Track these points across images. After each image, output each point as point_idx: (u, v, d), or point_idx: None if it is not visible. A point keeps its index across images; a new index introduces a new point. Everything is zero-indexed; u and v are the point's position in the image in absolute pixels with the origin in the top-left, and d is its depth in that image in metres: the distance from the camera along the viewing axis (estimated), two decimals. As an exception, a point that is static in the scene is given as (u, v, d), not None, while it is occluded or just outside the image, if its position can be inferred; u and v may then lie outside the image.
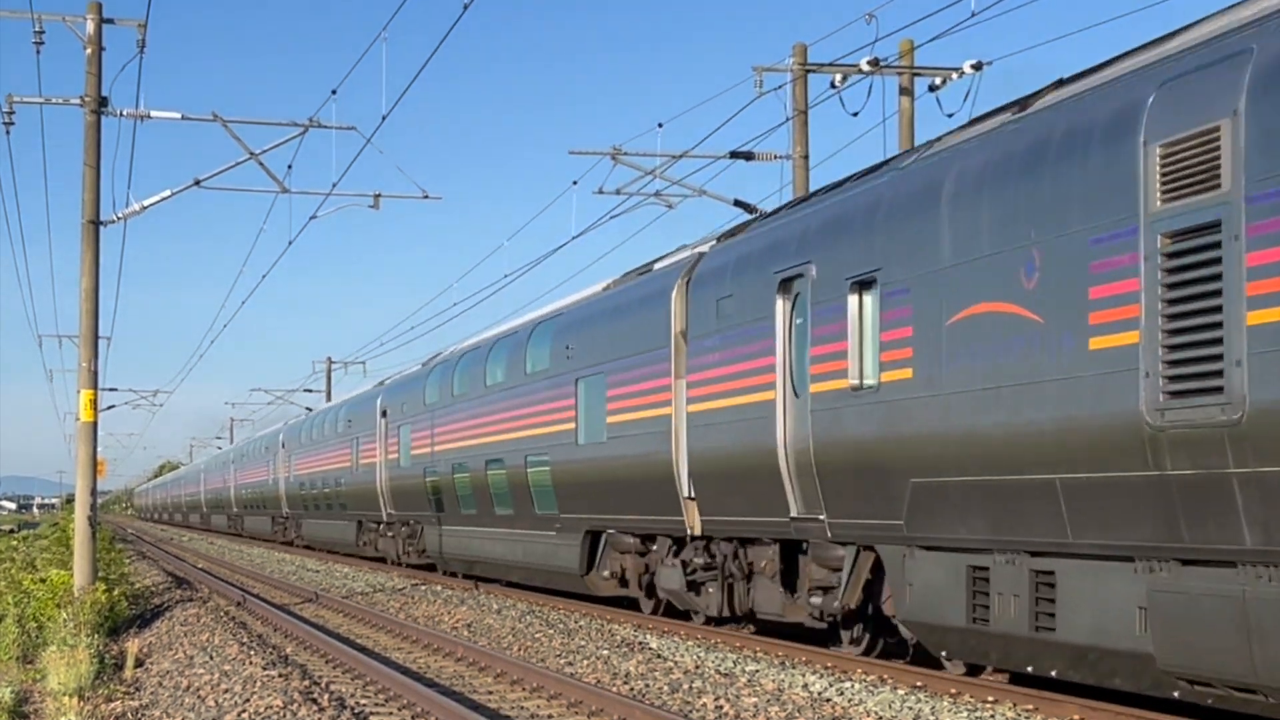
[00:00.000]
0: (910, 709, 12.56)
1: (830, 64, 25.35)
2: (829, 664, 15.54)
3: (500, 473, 25.43)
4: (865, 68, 23.93)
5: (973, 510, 12.26)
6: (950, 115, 24.45)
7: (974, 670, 14.04)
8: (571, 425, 22.00)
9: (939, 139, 14.19)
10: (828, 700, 13.20)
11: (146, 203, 25.73)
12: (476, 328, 40.26)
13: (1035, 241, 11.33)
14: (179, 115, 25.78)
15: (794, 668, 15.43)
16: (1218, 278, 9.63)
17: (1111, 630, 10.80)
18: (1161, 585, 10.28)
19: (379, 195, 27.62)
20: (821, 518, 14.88)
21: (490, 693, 14.61)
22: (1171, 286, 10.01)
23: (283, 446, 52.62)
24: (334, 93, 24.76)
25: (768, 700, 13.23)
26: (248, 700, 13.83)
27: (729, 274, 17.18)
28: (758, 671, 15.15)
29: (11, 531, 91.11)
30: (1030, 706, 12.43)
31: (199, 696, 14.48)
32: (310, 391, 78.40)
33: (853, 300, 14.19)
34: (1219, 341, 9.61)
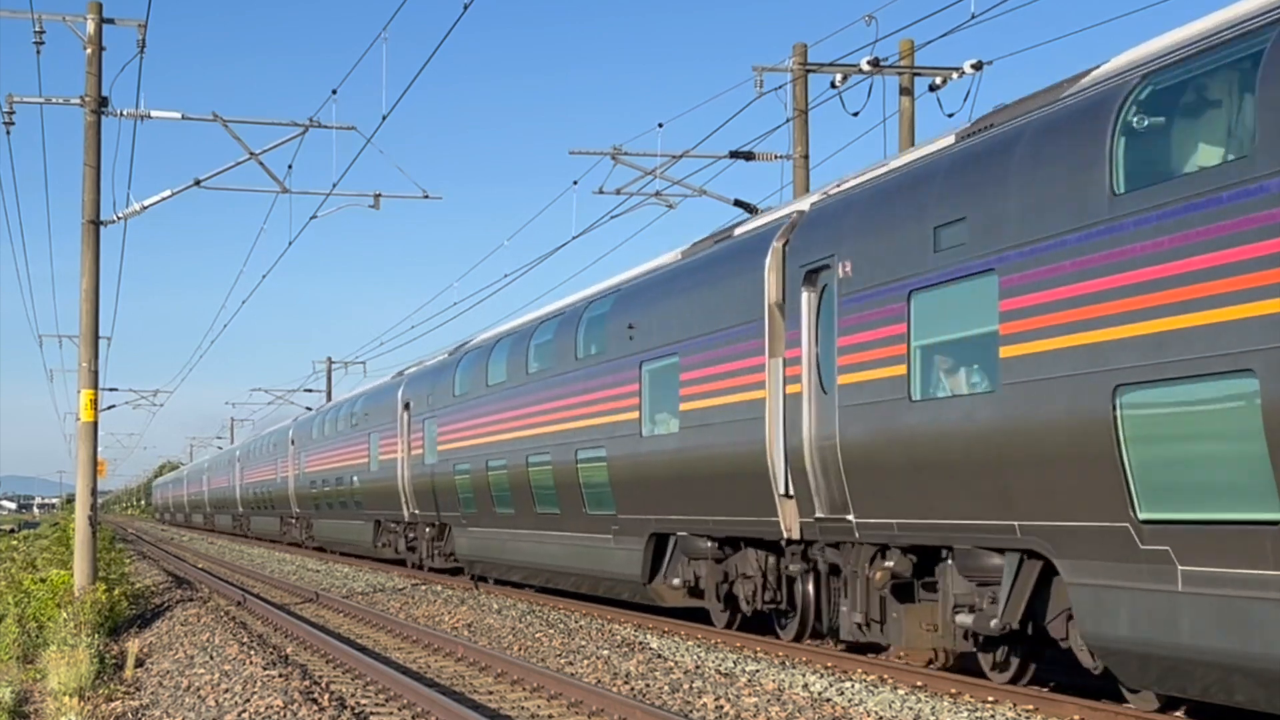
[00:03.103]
0: (910, 709, 12.56)
1: (831, 64, 25.35)
2: (829, 664, 15.54)
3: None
4: (865, 68, 23.92)
5: None
6: (950, 115, 24.47)
7: (976, 671, 14.03)
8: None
9: None
10: (828, 700, 13.20)
11: (146, 203, 25.73)
12: (476, 328, 40.13)
13: None
14: (179, 115, 25.79)
15: (794, 668, 15.42)
16: None
17: None
18: None
19: (379, 195, 27.63)
20: None
21: (490, 693, 14.61)
22: None
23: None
24: (334, 93, 24.77)
25: (768, 700, 13.23)
26: (248, 700, 13.83)
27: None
28: (758, 671, 15.14)
29: (12, 531, 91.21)
30: (1030, 706, 12.42)
31: (199, 696, 14.48)
32: (310, 391, 78.44)
33: None
34: None
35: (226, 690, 14.69)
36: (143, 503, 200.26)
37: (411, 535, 34.47)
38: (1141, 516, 10.60)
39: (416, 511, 32.57)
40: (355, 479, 38.88)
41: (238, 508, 69.65)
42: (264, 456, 58.43)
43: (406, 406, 33.10)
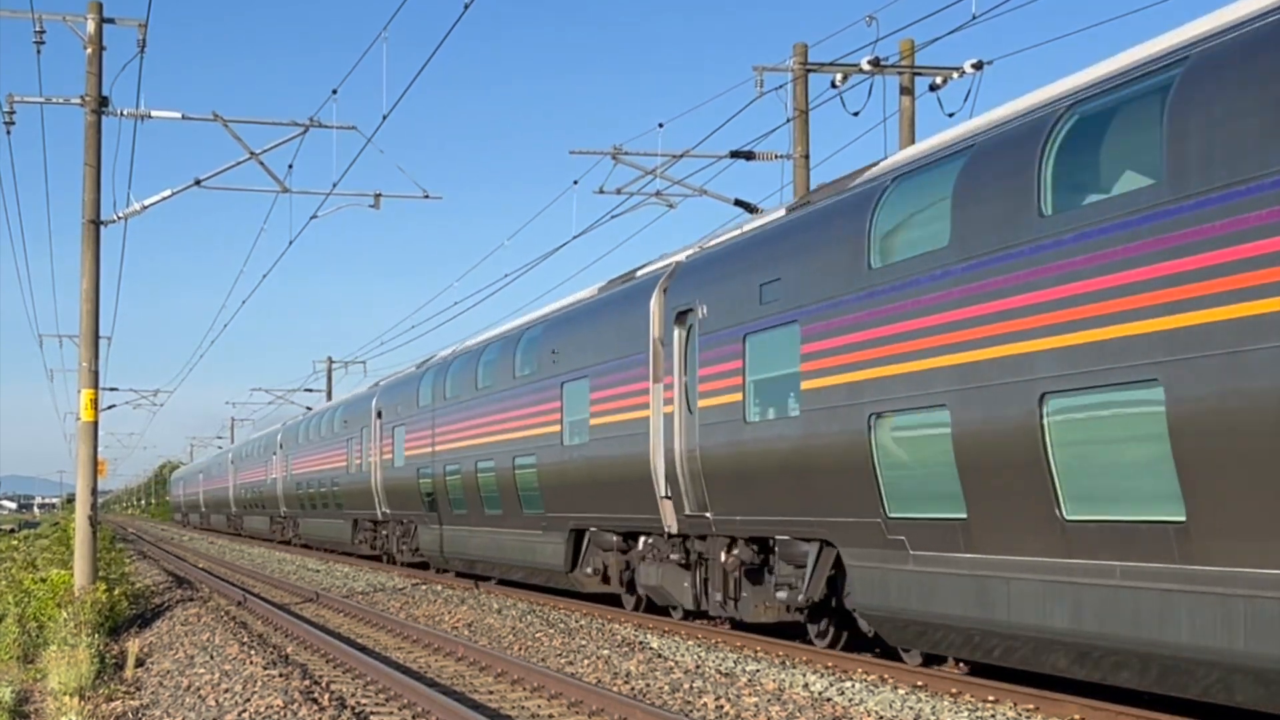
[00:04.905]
0: (911, 709, 12.56)
1: (831, 64, 25.34)
2: (829, 664, 15.54)
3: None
4: (866, 67, 23.91)
5: None
6: (951, 115, 24.45)
7: (976, 670, 14.04)
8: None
9: None
10: (828, 700, 13.19)
11: (147, 202, 25.72)
12: (476, 327, 40.39)
13: None
14: (179, 115, 25.77)
15: (794, 667, 15.42)
16: None
17: None
18: None
19: (379, 195, 27.60)
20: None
21: (491, 692, 14.61)
22: None
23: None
24: (334, 92, 24.73)
25: (768, 700, 13.22)
26: (248, 700, 13.83)
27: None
28: (758, 671, 15.14)
29: (12, 531, 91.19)
30: (1031, 706, 12.43)
31: (199, 696, 14.48)
32: (310, 391, 78.34)
33: None
34: None
35: (227, 690, 14.69)
36: (143, 502, 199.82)
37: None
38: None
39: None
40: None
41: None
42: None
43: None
